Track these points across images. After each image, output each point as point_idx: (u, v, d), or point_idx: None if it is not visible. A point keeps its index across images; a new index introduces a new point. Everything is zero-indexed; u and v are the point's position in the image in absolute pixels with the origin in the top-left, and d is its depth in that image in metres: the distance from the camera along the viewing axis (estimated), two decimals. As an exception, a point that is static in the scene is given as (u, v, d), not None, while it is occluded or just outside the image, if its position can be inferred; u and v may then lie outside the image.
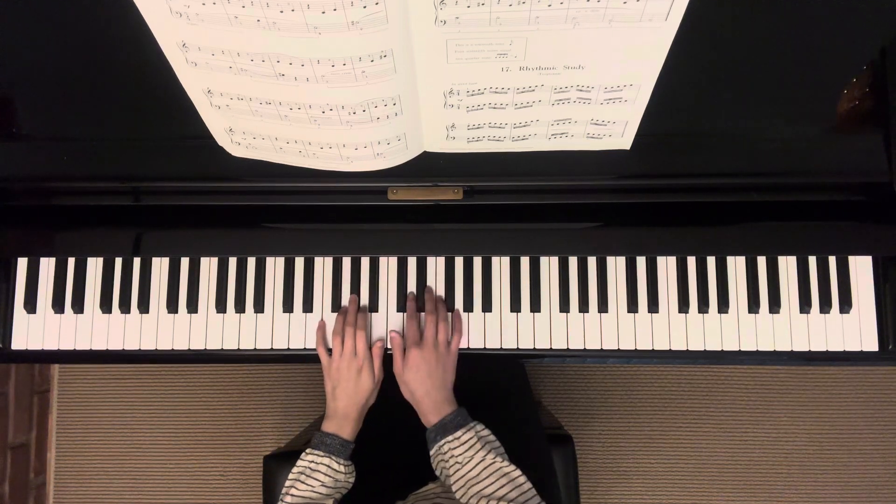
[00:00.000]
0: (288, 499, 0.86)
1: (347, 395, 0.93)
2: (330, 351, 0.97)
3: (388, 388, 0.98)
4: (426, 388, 0.92)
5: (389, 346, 0.99)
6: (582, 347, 0.99)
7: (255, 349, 1.01)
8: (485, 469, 0.84)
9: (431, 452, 0.91)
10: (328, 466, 0.88)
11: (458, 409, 0.92)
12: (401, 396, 0.96)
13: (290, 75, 0.71)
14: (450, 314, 1.00)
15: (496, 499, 0.80)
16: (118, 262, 1.03)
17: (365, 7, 0.63)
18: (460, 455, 0.86)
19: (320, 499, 0.87)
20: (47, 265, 1.03)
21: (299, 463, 0.89)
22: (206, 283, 1.02)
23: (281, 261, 1.02)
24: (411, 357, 0.94)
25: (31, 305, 1.02)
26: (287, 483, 0.88)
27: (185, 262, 1.03)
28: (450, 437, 0.88)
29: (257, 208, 0.97)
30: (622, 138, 0.85)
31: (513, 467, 0.84)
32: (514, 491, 0.82)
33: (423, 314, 0.99)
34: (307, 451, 0.90)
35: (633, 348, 0.99)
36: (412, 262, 1.02)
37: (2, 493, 1.59)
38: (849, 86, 0.87)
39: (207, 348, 1.01)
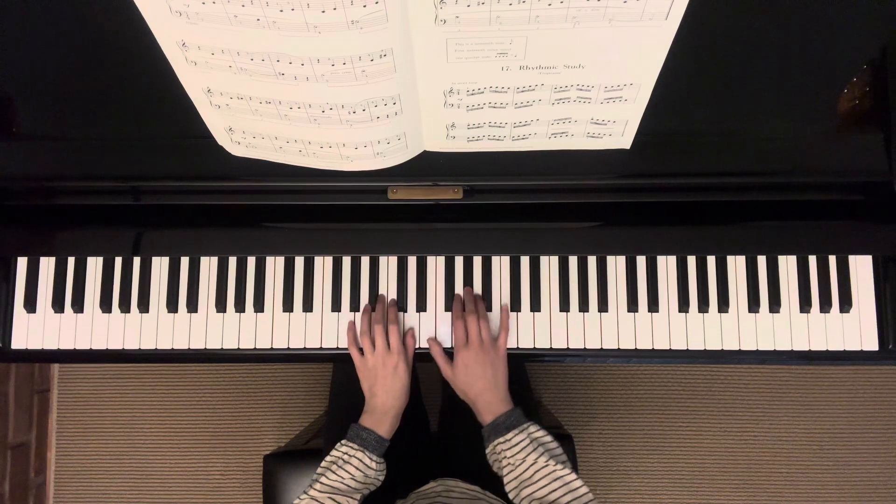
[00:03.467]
0: (318, 486, 0.85)
1: (386, 391, 0.93)
2: (361, 350, 0.97)
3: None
4: (478, 388, 0.92)
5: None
6: (582, 347, 0.99)
7: (254, 349, 1.01)
8: (537, 472, 0.83)
9: (487, 451, 0.91)
10: (360, 461, 0.87)
11: (511, 409, 0.91)
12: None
13: (289, 74, 0.71)
14: (499, 309, 1.00)
15: (548, 503, 0.79)
16: (118, 261, 1.03)
17: (365, 6, 0.63)
18: (512, 457, 0.85)
19: (349, 491, 0.86)
20: (47, 264, 1.03)
21: (333, 453, 0.89)
22: (205, 282, 1.02)
23: (281, 260, 1.02)
24: (459, 359, 0.93)
25: (30, 305, 1.02)
26: (318, 471, 0.88)
27: (184, 262, 1.02)
28: (501, 439, 0.87)
29: (257, 208, 0.97)
30: (622, 137, 0.85)
31: (567, 471, 0.82)
32: (567, 495, 0.80)
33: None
34: (342, 441, 0.90)
35: (633, 348, 0.99)
36: (412, 261, 1.02)
37: (2, 492, 1.59)
38: (849, 85, 0.87)
39: (207, 348, 1.01)
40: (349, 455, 0.88)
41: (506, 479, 0.86)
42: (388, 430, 0.92)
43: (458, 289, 1.01)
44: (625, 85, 0.76)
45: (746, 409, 1.76)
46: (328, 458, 0.89)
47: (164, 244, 0.99)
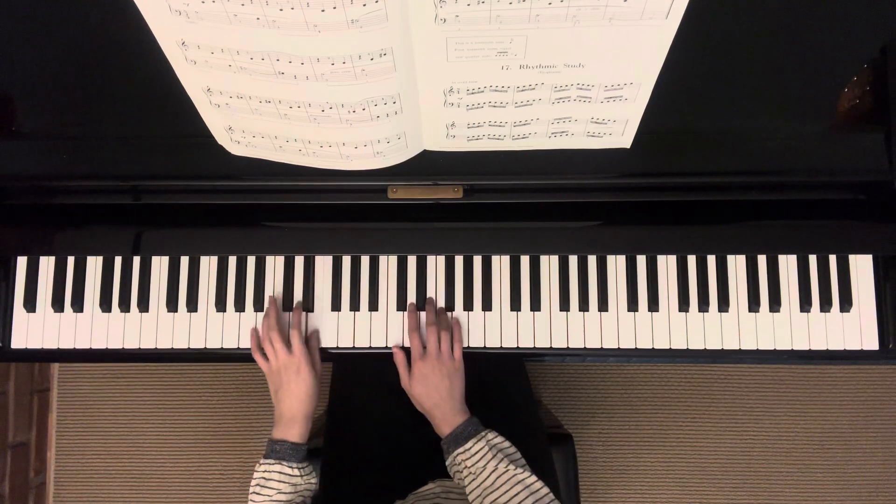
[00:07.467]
0: None
1: (289, 395, 0.93)
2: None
3: (386, 388, 0.98)
4: (434, 400, 0.93)
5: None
6: (582, 346, 0.99)
7: (254, 348, 1.01)
8: (499, 478, 0.83)
9: (447, 463, 0.91)
10: (280, 472, 0.88)
11: (468, 418, 0.92)
12: (399, 396, 0.96)
13: (289, 73, 0.71)
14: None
15: None
16: (118, 260, 1.03)
17: (365, 5, 0.63)
18: (473, 465, 0.86)
19: None
20: (47, 264, 1.03)
21: (255, 475, 0.89)
22: (205, 282, 1.02)
23: (281, 260, 1.02)
24: (416, 371, 0.94)
25: (30, 304, 1.02)
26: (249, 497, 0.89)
27: (184, 261, 1.02)
28: (461, 449, 0.88)
29: (257, 207, 0.96)
30: (622, 137, 0.85)
31: (527, 474, 0.84)
32: (529, 498, 0.81)
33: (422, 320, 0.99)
34: (259, 461, 0.90)
35: (634, 347, 0.99)
36: (412, 260, 1.02)
37: (2, 492, 1.59)
38: (849, 84, 0.87)
39: (207, 347, 1.01)
40: (269, 471, 0.88)
41: (469, 489, 0.86)
42: (299, 434, 0.91)
43: (459, 288, 1.01)
44: (625, 84, 0.76)
45: (746, 409, 1.76)
46: (252, 482, 0.89)
47: (163, 244, 0.99)
